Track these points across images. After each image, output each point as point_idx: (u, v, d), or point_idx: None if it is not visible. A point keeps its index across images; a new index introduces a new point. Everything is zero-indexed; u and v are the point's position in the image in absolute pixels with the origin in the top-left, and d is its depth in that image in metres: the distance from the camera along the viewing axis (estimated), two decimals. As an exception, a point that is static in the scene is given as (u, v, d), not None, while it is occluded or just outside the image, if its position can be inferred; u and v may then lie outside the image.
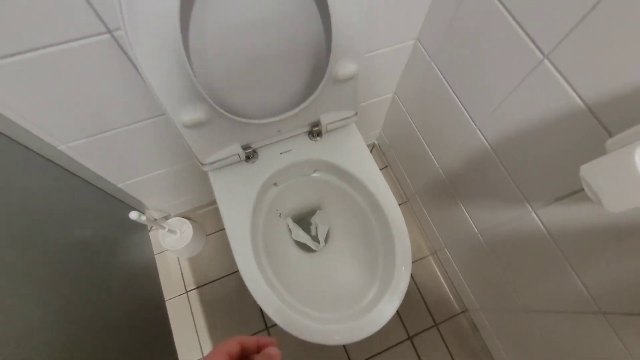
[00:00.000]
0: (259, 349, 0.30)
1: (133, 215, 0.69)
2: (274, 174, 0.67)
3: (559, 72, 0.45)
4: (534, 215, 0.58)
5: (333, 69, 0.54)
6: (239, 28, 0.45)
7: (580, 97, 0.43)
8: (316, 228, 0.82)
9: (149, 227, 1.03)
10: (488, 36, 0.53)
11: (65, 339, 0.54)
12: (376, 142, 1.18)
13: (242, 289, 0.96)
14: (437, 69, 0.69)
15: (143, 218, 0.71)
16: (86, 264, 0.68)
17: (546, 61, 0.46)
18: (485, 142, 0.64)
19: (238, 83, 0.52)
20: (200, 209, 1.08)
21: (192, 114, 0.50)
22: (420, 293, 1.02)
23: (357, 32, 0.51)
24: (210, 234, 1.07)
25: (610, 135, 0.41)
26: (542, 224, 0.57)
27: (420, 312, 1.00)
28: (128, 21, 0.37)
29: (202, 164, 0.62)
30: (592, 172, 0.34)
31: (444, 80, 0.69)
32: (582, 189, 0.43)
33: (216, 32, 0.44)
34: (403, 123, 0.93)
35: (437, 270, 1.05)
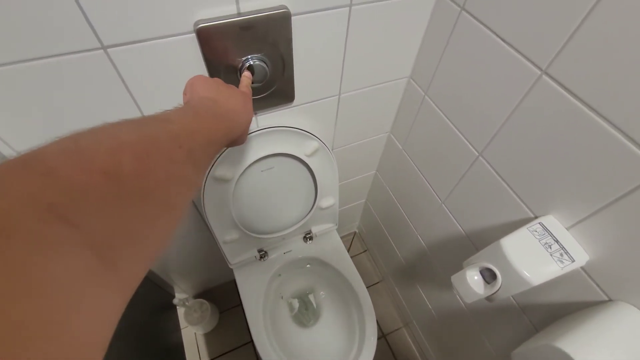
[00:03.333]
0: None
1: (175, 300, 0.94)
2: (279, 268, 0.95)
3: (451, 213, 0.77)
4: (458, 298, 0.86)
5: (318, 203, 0.86)
6: (262, 189, 0.77)
7: (461, 227, 0.75)
8: (308, 307, 1.07)
9: (177, 307, 1.26)
10: (439, 138, 0.73)
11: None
12: (357, 231, 1.48)
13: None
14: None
15: (180, 300, 0.96)
16: (133, 340, 0.90)
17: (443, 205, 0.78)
18: (423, 244, 0.94)
19: (259, 216, 0.83)
20: (215, 289, 1.32)
21: (231, 236, 0.81)
22: (397, 361, 1.23)
23: (332, 183, 0.84)
24: (222, 312, 1.30)
25: (477, 250, 0.72)
26: (464, 304, 0.85)
27: (398, 378, 1.19)
28: (206, 197, 0.69)
29: (230, 264, 0.90)
30: (455, 280, 0.63)
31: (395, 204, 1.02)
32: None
33: (248, 192, 0.76)
34: (373, 223, 1.25)
35: (410, 341, 1.27)
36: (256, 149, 0.68)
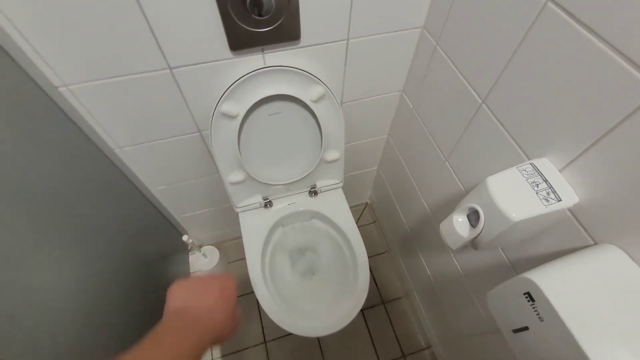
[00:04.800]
0: None
1: (185, 237, 1.01)
2: (282, 218, 0.99)
3: (453, 170, 0.76)
4: (454, 259, 0.85)
5: (324, 155, 0.88)
6: (269, 134, 0.80)
7: (461, 184, 0.74)
8: (308, 260, 1.10)
9: (189, 250, 1.34)
10: (447, 90, 0.72)
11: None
12: (369, 202, 1.49)
13: (250, 310, 1.22)
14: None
15: (190, 241, 1.03)
16: (143, 270, 0.97)
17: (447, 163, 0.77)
18: (427, 208, 0.94)
19: (265, 161, 0.87)
20: (225, 242, 1.39)
21: (236, 177, 0.85)
22: (393, 328, 1.24)
23: (338, 135, 0.85)
24: (230, 262, 1.37)
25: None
26: (458, 264, 0.84)
27: (392, 345, 1.20)
28: (213, 133, 0.73)
29: (236, 207, 0.95)
30: (442, 227, 0.62)
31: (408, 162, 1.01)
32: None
33: (255, 135, 0.79)
34: (384, 193, 1.25)
35: (408, 310, 1.27)
36: (262, 87, 0.70)
